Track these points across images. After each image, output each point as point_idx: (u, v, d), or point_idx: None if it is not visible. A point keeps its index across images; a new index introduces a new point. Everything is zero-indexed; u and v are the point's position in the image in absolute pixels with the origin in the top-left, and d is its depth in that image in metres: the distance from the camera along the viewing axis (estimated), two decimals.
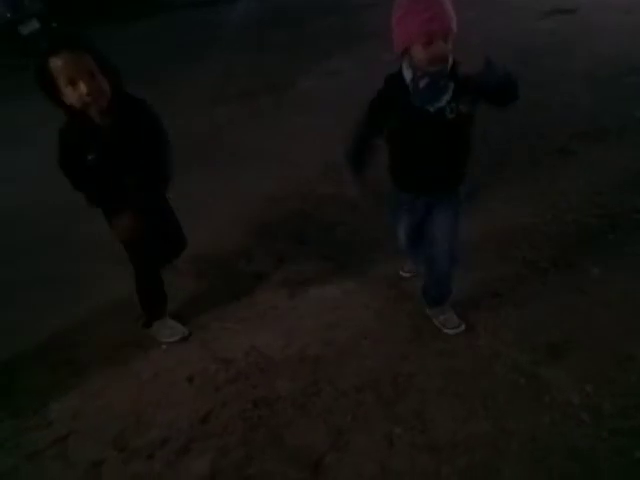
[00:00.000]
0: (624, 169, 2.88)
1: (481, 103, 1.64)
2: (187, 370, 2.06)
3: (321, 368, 2.00)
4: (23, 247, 2.92)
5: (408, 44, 1.56)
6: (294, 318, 2.24)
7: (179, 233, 2.30)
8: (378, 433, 1.74)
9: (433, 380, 1.89)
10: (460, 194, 1.85)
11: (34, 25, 6.62)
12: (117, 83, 1.76)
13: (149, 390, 2.01)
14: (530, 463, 1.59)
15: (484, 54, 1.46)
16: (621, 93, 3.69)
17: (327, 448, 1.71)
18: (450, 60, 1.57)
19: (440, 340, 2.04)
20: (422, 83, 1.60)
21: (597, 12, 5.28)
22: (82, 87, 1.62)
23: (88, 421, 1.92)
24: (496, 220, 2.60)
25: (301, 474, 1.65)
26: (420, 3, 1.51)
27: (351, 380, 1.93)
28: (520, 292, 2.20)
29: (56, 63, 1.60)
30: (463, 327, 2.06)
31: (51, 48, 1.62)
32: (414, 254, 2.12)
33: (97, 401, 1.99)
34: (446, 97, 1.61)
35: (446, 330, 2.07)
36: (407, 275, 2.35)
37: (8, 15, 6.51)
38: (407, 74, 1.64)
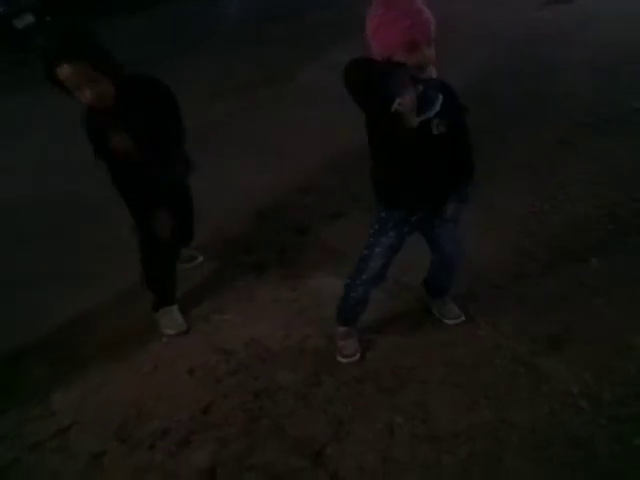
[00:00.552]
0: (623, 159, 2.88)
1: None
2: (188, 362, 2.06)
3: (321, 359, 2.00)
4: (24, 240, 2.91)
5: (389, 54, 1.47)
6: (294, 310, 2.24)
7: (192, 222, 2.39)
8: (379, 423, 1.74)
9: (434, 371, 1.90)
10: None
11: (29, 19, 6.57)
12: (120, 76, 1.82)
13: (150, 382, 2.01)
14: (531, 452, 1.60)
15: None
16: (619, 83, 3.68)
17: (328, 438, 1.72)
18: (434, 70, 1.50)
19: (440, 331, 2.04)
20: (419, 88, 1.50)
21: (595, 2, 5.25)
22: (87, 93, 1.75)
23: (90, 413, 1.92)
24: (495, 211, 2.60)
25: (302, 464, 1.65)
26: (396, 10, 1.42)
27: (351, 371, 1.94)
28: (519, 283, 2.20)
29: (60, 72, 1.70)
30: (463, 318, 2.07)
31: (52, 57, 1.70)
32: (376, 284, 1.90)
33: (98, 393, 1.99)
34: (435, 109, 1.54)
35: (446, 320, 2.08)
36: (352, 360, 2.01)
37: (2, 9, 6.46)
38: None
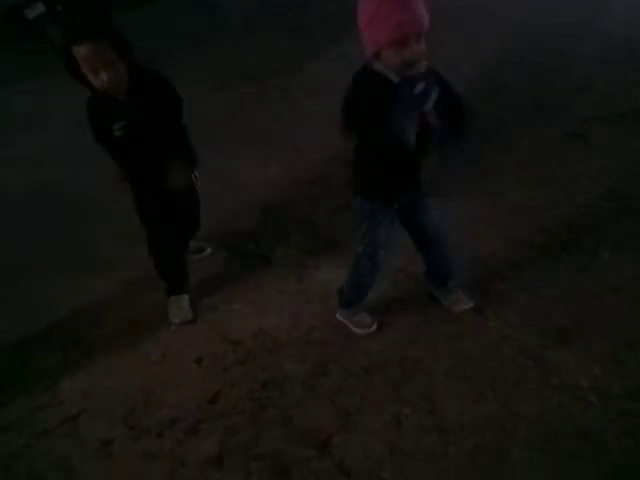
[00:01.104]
0: (637, 152, 2.84)
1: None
2: (195, 351, 2.07)
3: (328, 350, 2.00)
4: (31, 231, 2.92)
5: (378, 49, 1.47)
6: (301, 301, 2.24)
7: (198, 214, 2.38)
8: (386, 414, 1.74)
9: (441, 363, 1.89)
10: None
11: (39, 9, 6.57)
12: (133, 62, 1.83)
13: (158, 371, 2.02)
14: (539, 444, 1.59)
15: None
16: (635, 76, 3.62)
17: (335, 429, 1.72)
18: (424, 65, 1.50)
19: (447, 323, 2.03)
20: (419, 88, 1.52)
21: None
22: (103, 76, 1.73)
23: (98, 400, 1.93)
24: (506, 203, 2.58)
25: (309, 453, 1.66)
26: (387, 5, 1.41)
27: (359, 362, 1.93)
28: (529, 276, 2.19)
29: (78, 52, 1.68)
30: (472, 304, 2.06)
31: (72, 36, 1.69)
32: (379, 272, 1.96)
33: (107, 381, 2.00)
34: (432, 102, 1.55)
35: (455, 308, 2.06)
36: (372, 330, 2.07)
37: None
38: (392, 76, 1.50)
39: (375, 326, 2.04)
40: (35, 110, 4.29)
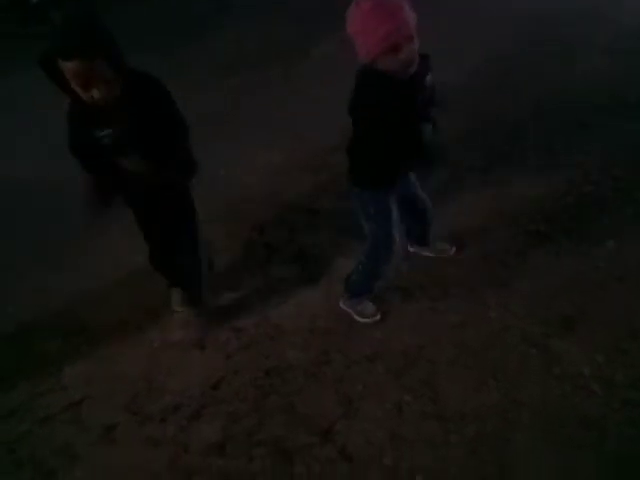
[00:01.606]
0: None
1: None
2: (198, 338, 2.07)
3: (331, 339, 2.00)
4: (34, 218, 2.91)
5: (374, 57, 1.48)
6: (305, 289, 2.24)
7: (192, 227, 2.03)
8: (388, 402, 1.75)
9: (443, 351, 1.89)
10: None
11: None
12: (125, 72, 1.59)
13: (161, 357, 2.03)
14: (541, 433, 1.60)
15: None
16: None
17: (338, 416, 1.73)
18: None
19: (450, 312, 2.03)
20: (429, 81, 1.58)
21: None
22: (95, 93, 1.51)
23: (101, 386, 1.94)
24: (511, 192, 2.56)
25: (311, 439, 1.67)
26: (375, 18, 1.42)
27: (361, 350, 1.94)
28: (533, 264, 2.18)
29: (67, 66, 1.45)
30: (455, 249, 2.25)
31: (62, 49, 1.45)
32: (393, 259, 2.00)
33: (110, 367, 2.01)
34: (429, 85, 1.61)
35: (444, 254, 2.24)
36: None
37: None
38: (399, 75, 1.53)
39: (379, 315, 2.04)
40: (36, 105, 4.25)
